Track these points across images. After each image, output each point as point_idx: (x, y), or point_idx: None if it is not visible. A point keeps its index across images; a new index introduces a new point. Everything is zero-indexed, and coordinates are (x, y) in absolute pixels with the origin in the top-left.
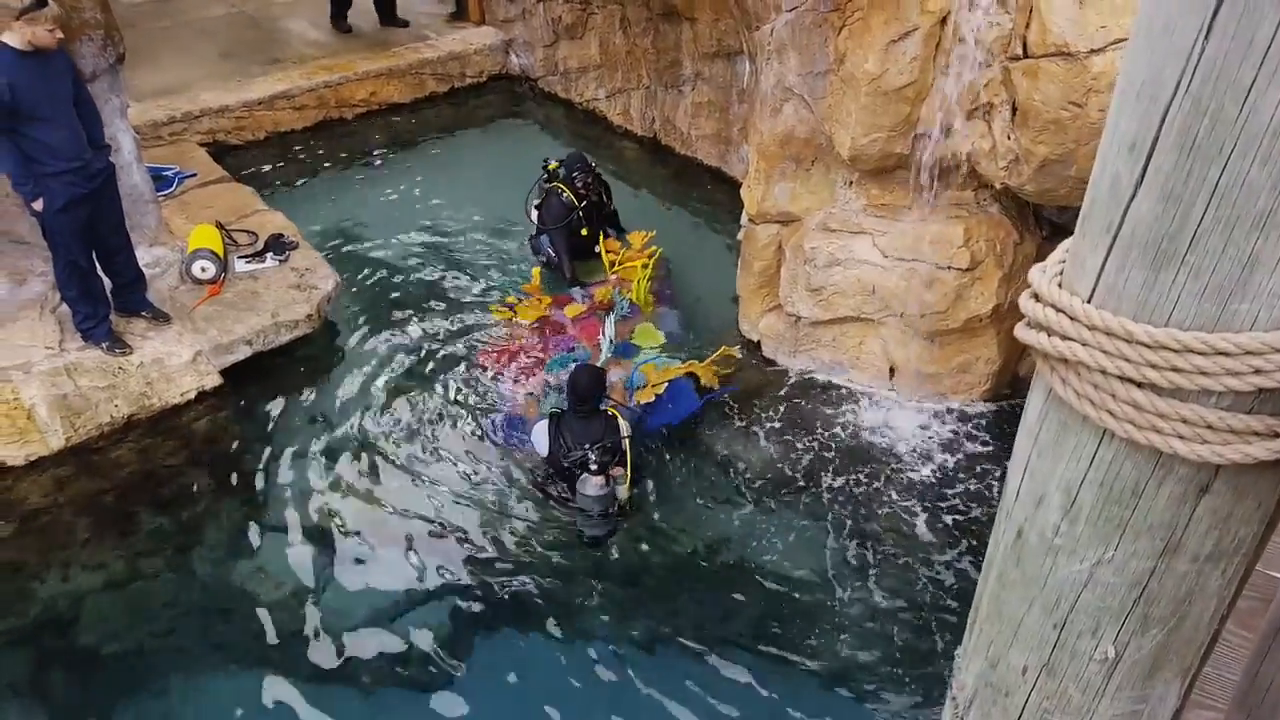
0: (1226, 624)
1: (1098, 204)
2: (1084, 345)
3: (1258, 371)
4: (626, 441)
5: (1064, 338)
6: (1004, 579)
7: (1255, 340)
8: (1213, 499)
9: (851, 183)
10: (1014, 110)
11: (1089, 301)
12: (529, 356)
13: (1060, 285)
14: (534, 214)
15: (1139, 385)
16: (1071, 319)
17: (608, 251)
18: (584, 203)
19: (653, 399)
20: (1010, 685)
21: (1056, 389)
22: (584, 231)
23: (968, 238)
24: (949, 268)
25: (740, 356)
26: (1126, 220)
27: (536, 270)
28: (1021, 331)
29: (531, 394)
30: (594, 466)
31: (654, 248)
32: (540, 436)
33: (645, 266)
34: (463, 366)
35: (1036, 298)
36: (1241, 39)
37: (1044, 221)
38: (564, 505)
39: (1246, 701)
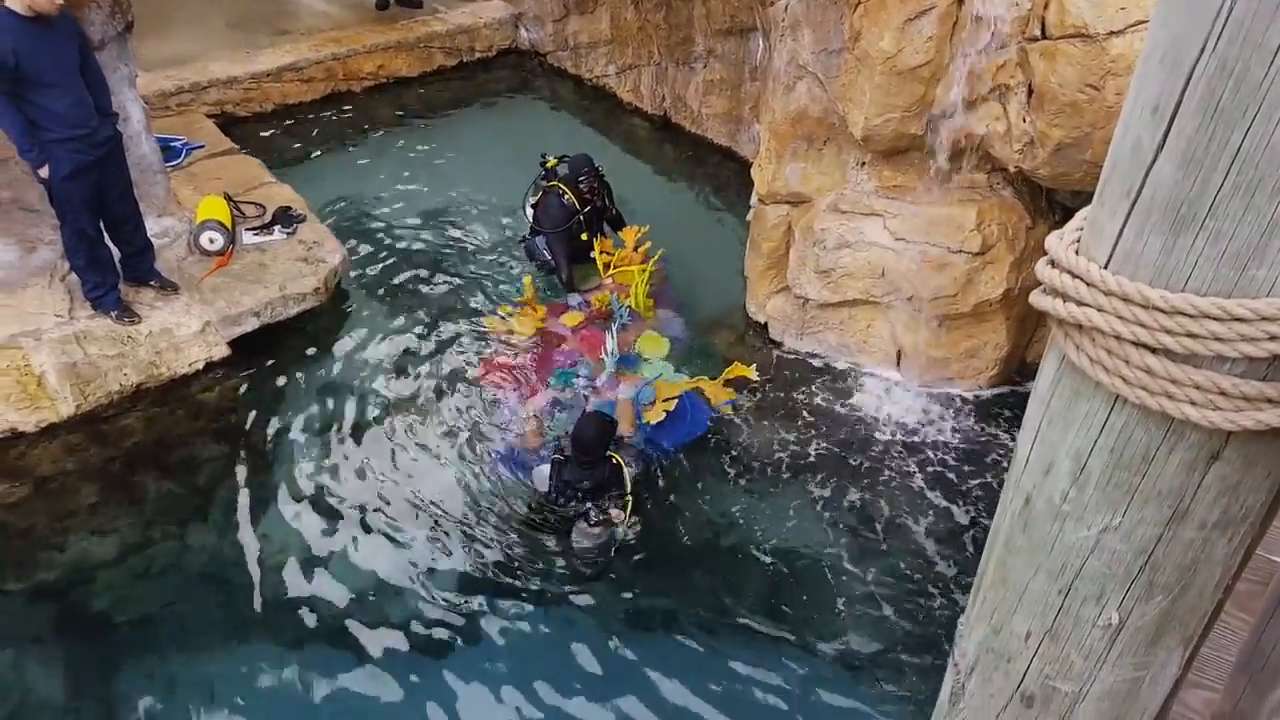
0: (1225, 606)
1: (1118, 168)
2: (1099, 311)
3: (1274, 338)
4: (629, 488)
5: (1079, 303)
6: (1010, 546)
7: (1272, 306)
8: (1222, 466)
9: (864, 163)
10: (1030, 92)
11: (1106, 267)
12: (529, 373)
13: (1077, 252)
14: (530, 213)
15: (1153, 351)
16: (1088, 284)
17: (602, 252)
18: (587, 207)
19: (662, 416)
20: (1013, 651)
21: (1070, 355)
22: (583, 236)
23: (980, 221)
24: (960, 251)
25: (757, 379)
26: (1147, 185)
27: (528, 279)
28: (1037, 298)
29: (536, 416)
30: (593, 519)
31: (649, 243)
32: (541, 481)
33: (643, 271)
34: (468, 340)
35: (1053, 264)
36: (1270, 0)
37: (1057, 206)
38: (559, 537)
39: (1249, 665)
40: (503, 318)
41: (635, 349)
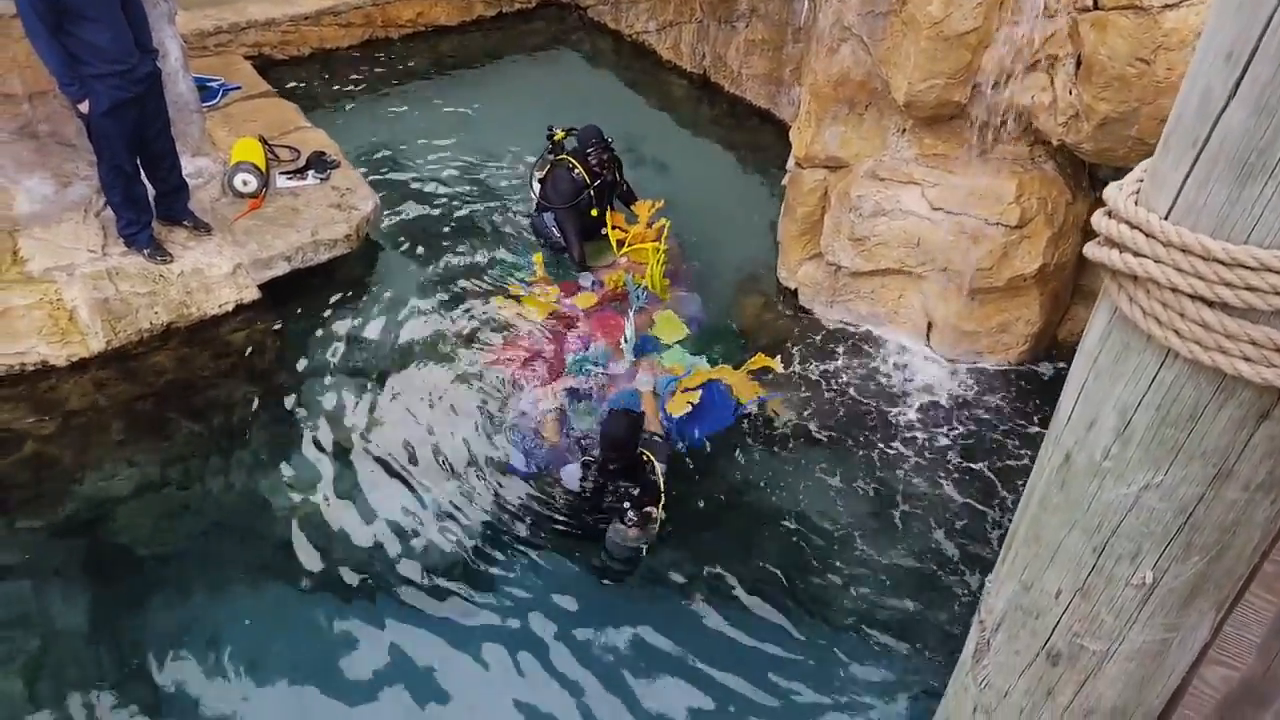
0: (1252, 587)
1: (1184, 119)
2: (1156, 262)
3: None
4: (662, 483)
5: (1136, 254)
6: (1046, 503)
7: None
8: (1272, 425)
9: (904, 130)
10: (1078, 64)
11: (1166, 218)
12: (544, 359)
13: (1137, 203)
14: (537, 188)
15: (1210, 304)
16: (1147, 235)
17: (614, 228)
18: (597, 182)
19: (687, 409)
20: (1042, 608)
21: (1123, 308)
22: (593, 212)
23: (1019, 194)
24: (997, 224)
25: (782, 370)
26: (1215, 133)
27: (539, 257)
28: (1092, 250)
29: (552, 411)
30: (630, 519)
31: (663, 220)
32: (571, 481)
33: (658, 249)
34: (496, 299)
35: (1110, 214)
36: None
37: (1099, 183)
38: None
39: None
40: (514, 299)
41: (652, 330)
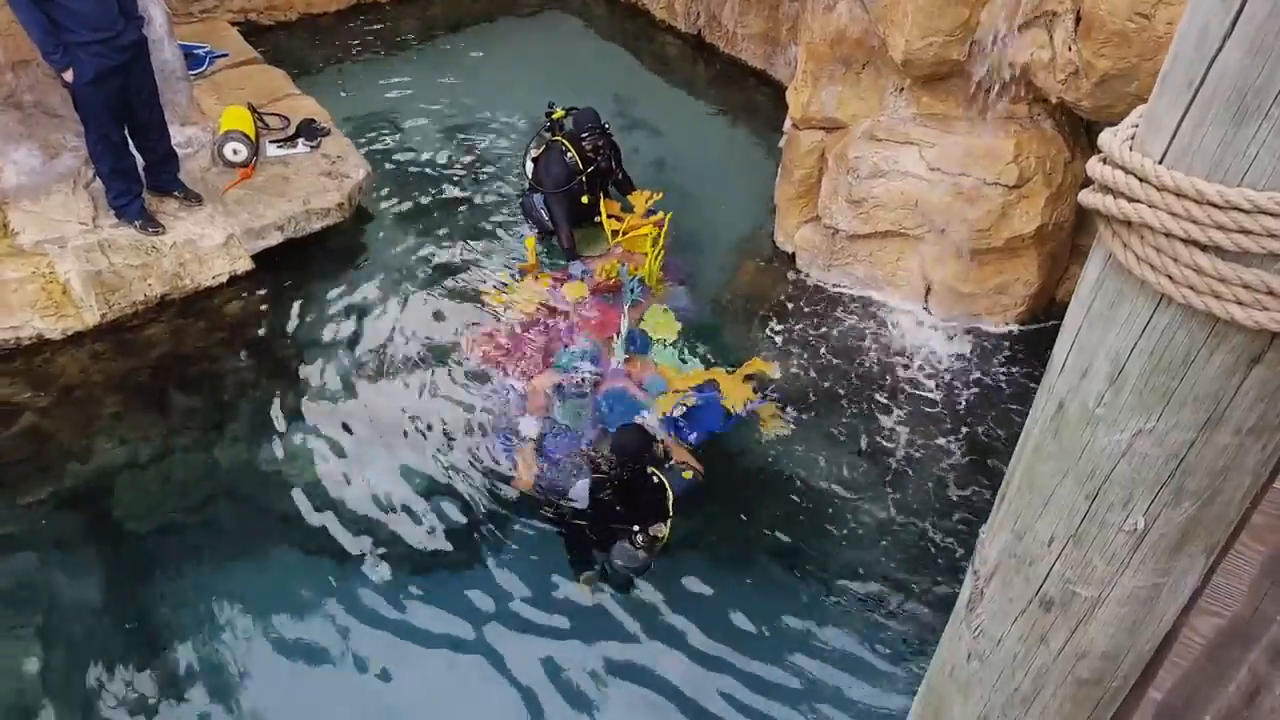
0: (1241, 537)
1: (1180, 59)
2: (1150, 207)
3: None
4: (671, 508)
5: (1131, 199)
6: (1040, 451)
7: None
8: (1263, 370)
9: (902, 90)
10: (1077, 20)
11: (1160, 162)
12: (528, 353)
13: (1131, 148)
14: (530, 167)
15: (1203, 248)
16: (1141, 180)
17: (609, 216)
18: (590, 168)
19: (681, 409)
20: (1035, 556)
21: (1117, 254)
22: (585, 199)
23: (1018, 153)
24: (995, 184)
25: (777, 377)
26: (1211, 73)
27: (531, 241)
28: (1086, 196)
29: (528, 443)
30: (638, 542)
31: (661, 213)
32: (581, 498)
33: (656, 243)
34: (488, 267)
35: (1105, 160)
36: None
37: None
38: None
39: (1274, 570)
40: (500, 286)
41: (642, 324)
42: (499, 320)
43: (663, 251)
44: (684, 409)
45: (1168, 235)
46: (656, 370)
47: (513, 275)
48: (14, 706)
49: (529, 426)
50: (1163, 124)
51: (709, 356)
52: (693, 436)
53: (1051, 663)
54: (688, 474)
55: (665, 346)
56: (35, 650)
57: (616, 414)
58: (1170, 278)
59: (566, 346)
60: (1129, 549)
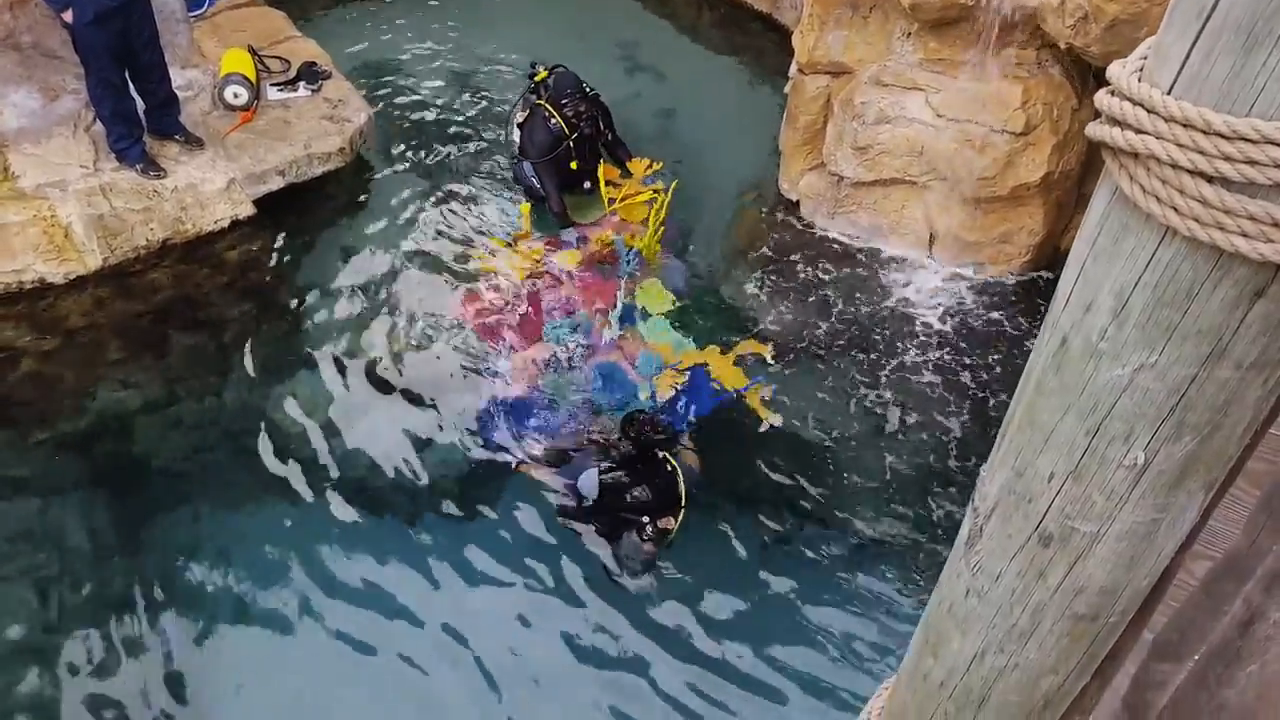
0: (1237, 481)
1: None
2: (1158, 138)
3: None
4: (683, 489)
5: (1138, 131)
6: (1042, 388)
7: None
8: (1266, 304)
9: (909, 34)
10: None
11: (1169, 93)
12: (518, 325)
13: (1140, 79)
14: (517, 134)
15: (1209, 180)
16: (1148, 111)
17: (607, 183)
18: (575, 134)
19: (672, 391)
20: (1034, 492)
21: (1123, 186)
22: (574, 165)
23: (1025, 99)
24: (1002, 131)
25: (771, 359)
26: (1221, 1)
27: (525, 207)
28: (1093, 129)
29: (526, 462)
30: (648, 534)
31: (661, 183)
32: (590, 489)
33: (656, 214)
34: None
35: (1113, 92)
36: None
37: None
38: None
39: (1271, 504)
40: (491, 252)
41: (636, 298)
42: (492, 288)
43: (662, 228)
44: (675, 390)
45: (1174, 167)
46: (648, 347)
47: (507, 241)
48: (19, 646)
49: (533, 446)
50: (1171, 54)
51: (703, 331)
52: (684, 424)
53: (1049, 599)
54: (691, 459)
55: (658, 321)
56: (41, 590)
57: (608, 389)
58: (1176, 210)
59: (557, 318)
60: (1129, 484)
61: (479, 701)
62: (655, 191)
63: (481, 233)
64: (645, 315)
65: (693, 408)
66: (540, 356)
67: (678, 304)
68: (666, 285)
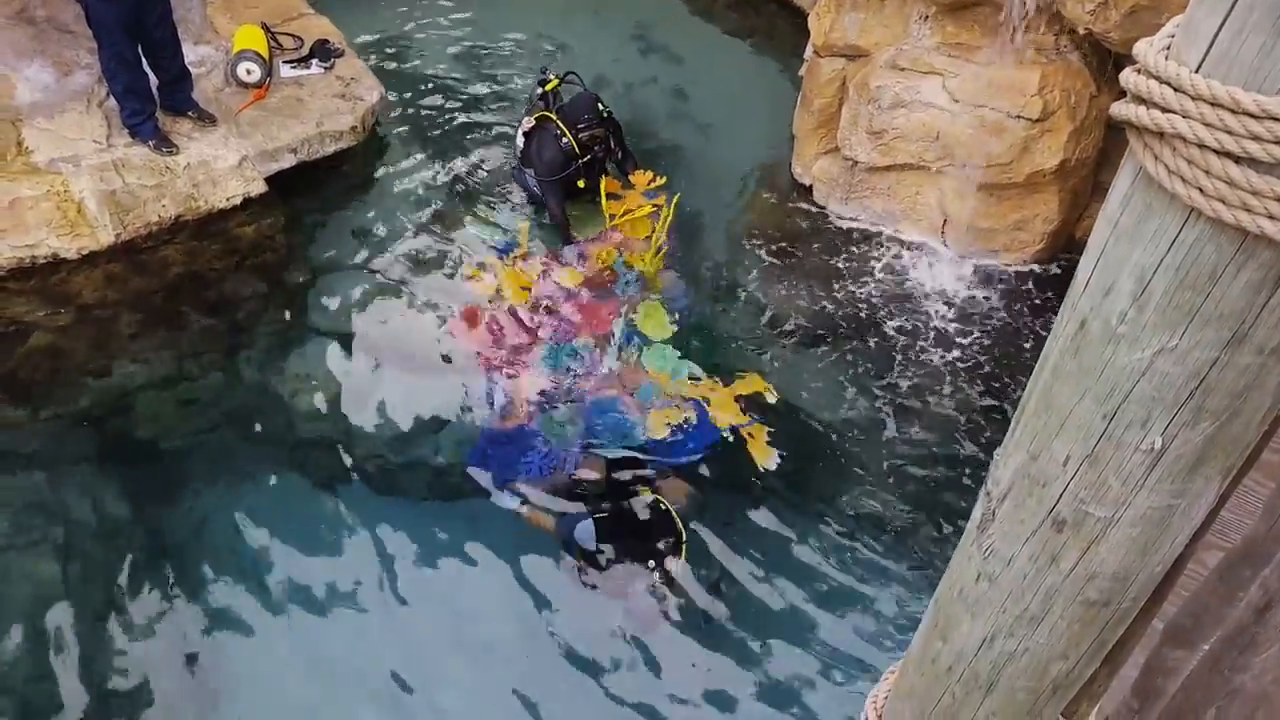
0: (1251, 472)
1: None
2: (1184, 117)
3: None
4: (679, 523)
5: (1165, 110)
6: (1059, 371)
7: None
8: None
9: (927, 17)
10: None
11: (1197, 71)
12: (511, 349)
13: (1167, 57)
14: (521, 142)
15: (1236, 160)
16: (1175, 89)
17: (609, 196)
18: (587, 156)
19: (665, 431)
20: (1049, 476)
21: (1147, 166)
22: (582, 183)
23: (1042, 85)
24: (1019, 117)
25: (774, 399)
26: None
27: (524, 227)
28: (1118, 108)
29: (525, 507)
30: (657, 585)
31: (661, 198)
32: (587, 539)
33: (660, 227)
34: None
35: (1139, 70)
36: None
37: None
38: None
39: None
40: (484, 267)
41: (635, 321)
42: (489, 314)
43: (665, 247)
44: (668, 429)
45: (1200, 146)
46: (648, 376)
47: (501, 258)
48: (30, 619)
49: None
50: (1200, 31)
51: (709, 339)
52: (682, 460)
53: (1061, 584)
54: (680, 490)
55: (659, 348)
56: (52, 564)
57: (605, 430)
58: (1201, 190)
59: (555, 343)
60: (1145, 469)
61: (482, 682)
62: (655, 206)
63: (487, 206)
64: (646, 342)
65: (689, 445)
66: (535, 390)
67: (679, 329)
68: (667, 305)
